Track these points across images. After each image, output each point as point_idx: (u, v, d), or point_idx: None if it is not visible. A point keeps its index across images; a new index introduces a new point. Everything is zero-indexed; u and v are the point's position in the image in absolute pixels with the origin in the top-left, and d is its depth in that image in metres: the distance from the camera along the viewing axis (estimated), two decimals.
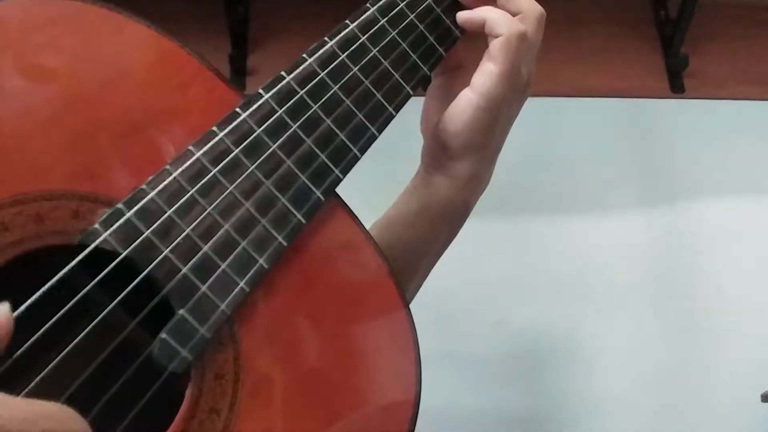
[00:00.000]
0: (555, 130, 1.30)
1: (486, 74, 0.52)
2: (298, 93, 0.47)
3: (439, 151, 0.55)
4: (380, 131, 0.50)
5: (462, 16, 0.54)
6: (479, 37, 0.54)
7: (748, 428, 1.15)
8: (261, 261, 0.43)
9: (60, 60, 0.41)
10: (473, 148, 0.54)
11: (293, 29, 1.36)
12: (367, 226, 0.49)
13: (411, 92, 0.52)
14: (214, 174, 0.43)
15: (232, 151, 0.44)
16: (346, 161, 0.48)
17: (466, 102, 0.52)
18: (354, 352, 0.46)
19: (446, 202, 0.56)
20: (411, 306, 0.48)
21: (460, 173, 0.55)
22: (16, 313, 0.34)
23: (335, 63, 0.49)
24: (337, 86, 0.48)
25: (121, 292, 0.39)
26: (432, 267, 0.62)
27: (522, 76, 0.53)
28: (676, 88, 1.43)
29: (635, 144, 1.37)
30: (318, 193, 0.46)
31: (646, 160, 1.36)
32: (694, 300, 1.25)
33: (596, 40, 1.44)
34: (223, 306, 0.41)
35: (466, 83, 0.53)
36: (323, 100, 0.48)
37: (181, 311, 0.40)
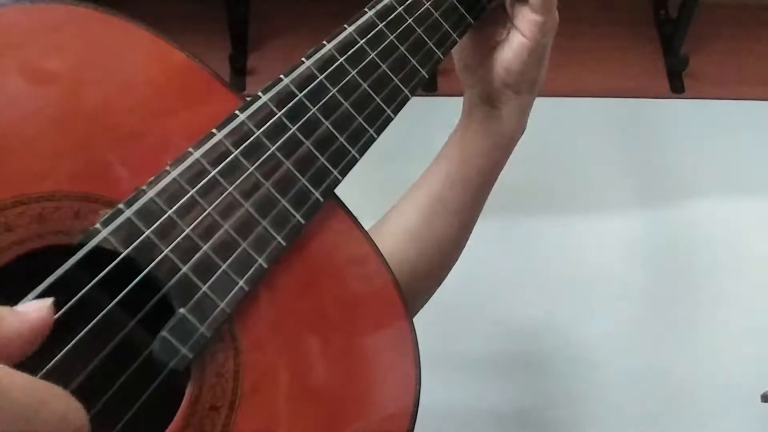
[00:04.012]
0: (555, 130, 1.30)
1: (533, 23, 0.60)
2: (297, 95, 0.47)
3: (502, 88, 0.64)
4: (379, 133, 0.50)
5: None
6: None
7: (748, 428, 1.15)
8: (260, 261, 0.44)
9: (63, 64, 0.42)
10: (531, 81, 0.63)
11: (293, 29, 1.36)
12: (366, 227, 0.50)
13: (409, 95, 0.52)
14: (214, 175, 0.43)
15: (232, 153, 0.44)
16: (344, 163, 0.48)
17: (520, 45, 0.61)
18: (354, 352, 0.46)
19: (509, 131, 0.66)
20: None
21: (520, 103, 0.65)
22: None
23: (334, 66, 0.49)
24: (336, 89, 0.49)
25: (122, 292, 0.39)
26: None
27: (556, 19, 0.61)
28: (676, 88, 1.43)
29: (635, 144, 1.37)
30: (317, 194, 0.47)
31: (645, 160, 1.36)
32: (693, 299, 1.25)
33: (596, 40, 1.44)
34: (222, 305, 0.42)
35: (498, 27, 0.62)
36: (322, 102, 0.48)
37: (182, 310, 0.41)
